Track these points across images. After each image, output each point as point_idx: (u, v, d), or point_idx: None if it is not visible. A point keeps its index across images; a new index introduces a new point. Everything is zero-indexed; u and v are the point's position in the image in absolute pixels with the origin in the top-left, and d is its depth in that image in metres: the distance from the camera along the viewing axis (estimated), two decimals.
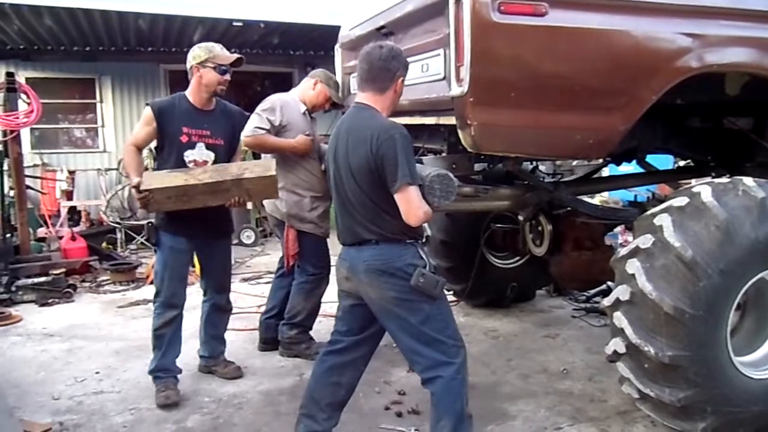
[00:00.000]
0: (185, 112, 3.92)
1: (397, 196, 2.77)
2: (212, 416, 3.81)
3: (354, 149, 2.86)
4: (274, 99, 4.55)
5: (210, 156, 3.94)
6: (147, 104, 3.95)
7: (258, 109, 4.47)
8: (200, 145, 3.92)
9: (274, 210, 4.67)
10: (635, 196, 4.79)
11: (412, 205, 2.77)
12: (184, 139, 3.88)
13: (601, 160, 5.04)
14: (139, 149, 3.92)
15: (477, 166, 4.10)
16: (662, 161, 5.34)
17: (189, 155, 3.89)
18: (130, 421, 3.76)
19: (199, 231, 4.05)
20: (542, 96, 3.00)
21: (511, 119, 2.98)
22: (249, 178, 3.74)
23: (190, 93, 3.99)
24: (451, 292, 5.74)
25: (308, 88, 4.63)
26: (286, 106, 4.50)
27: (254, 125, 4.33)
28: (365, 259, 2.88)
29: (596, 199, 9.79)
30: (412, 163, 2.81)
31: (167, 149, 3.92)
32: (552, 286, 6.05)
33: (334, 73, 4.84)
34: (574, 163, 8.07)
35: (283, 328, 4.71)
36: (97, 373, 4.50)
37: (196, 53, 3.93)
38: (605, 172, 6.47)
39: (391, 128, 2.80)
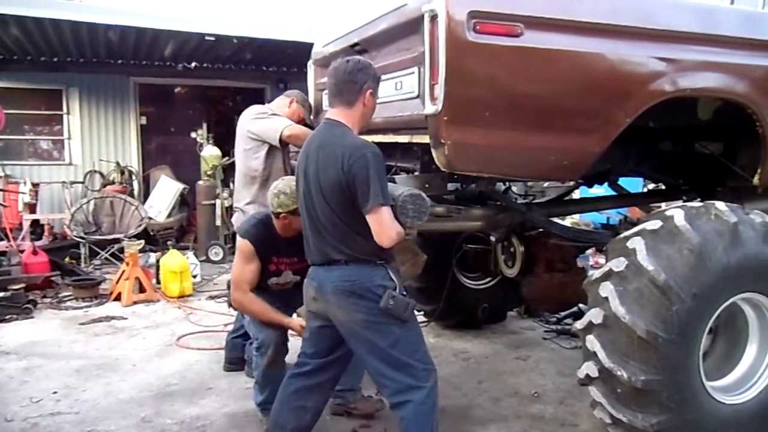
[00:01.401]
0: (274, 241, 3.75)
1: (368, 217, 2.71)
2: None
3: (325, 168, 2.79)
4: (268, 108, 4.61)
5: (295, 278, 3.86)
6: (243, 237, 3.78)
7: (266, 113, 4.49)
8: (287, 273, 3.88)
9: None
10: (608, 218, 4.80)
11: (384, 226, 2.71)
12: (272, 267, 3.81)
13: (573, 182, 5.06)
14: (252, 287, 3.73)
15: (450, 186, 4.06)
16: (632, 184, 5.37)
17: (273, 280, 3.85)
18: None
19: None
20: (517, 116, 2.97)
21: (485, 139, 2.94)
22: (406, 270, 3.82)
23: (277, 227, 3.75)
24: (422, 313, 5.68)
25: (284, 105, 4.63)
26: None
27: (285, 122, 4.35)
28: (333, 279, 2.81)
29: (567, 221, 9.85)
30: (384, 182, 2.76)
31: None
32: (523, 307, 6.03)
33: (307, 90, 4.81)
34: (546, 184, 8.08)
35: (249, 348, 4.59)
36: (55, 393, 4.34)
37: (283, 201, 3.62)
38: (576, 194, 6.50)
39: (363, 147, 2.75)
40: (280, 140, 4.29)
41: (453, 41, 2.77)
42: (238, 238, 3.85)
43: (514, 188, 8.43)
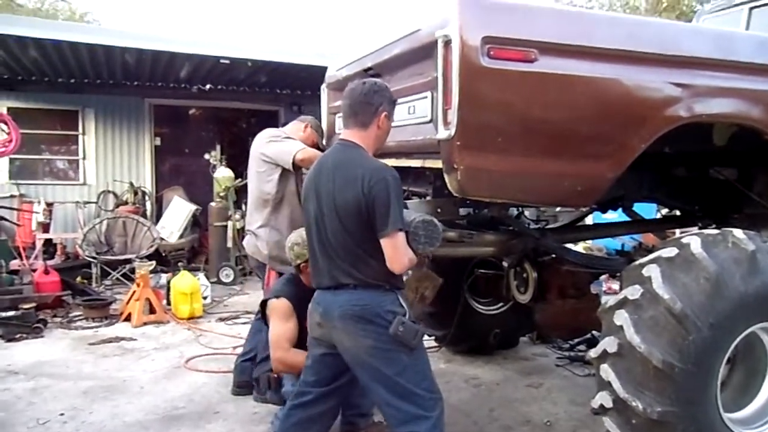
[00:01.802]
0: (307, 296, 3.73)
1: (384, 241, 2.68)
2: None
3: (342, 188, 2.76)
4: (283, 131, 4.65)
5: None
6: (277, 297, 3.81)
7: (280, 136, 4.53)
8: None
9: (255, 252, 4.58)
10: (622, 245, 4.74)
11: (398, 252, 2.68)
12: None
13: (586, 208, 5.01)
14: (292, 345, 3.71)
15: (462, 211, 4.03)
16: (646, 210, 5.31)
17: None
18: None
19: None
20: (530, 142, 2.94)
21: (498, 164, 2.91)
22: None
23: (305, 281, 3.77)
24: (433, 338, 5.63)
25: (298, 129, 4.67)
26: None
27: (299, 146, 4.38)
28: (341, 304, 2.77)
29: (579, 247, 9.78)
30: (402, 207, 2.74)
31: None
32: (535, 333, 5.95)
33: (320, 113, 4.82)
34: (558, 209, 8.04)
35: (257, 370, 4.56)
36: (62, 414, 4.32)
37: (299, 252, 3.74)
38: (589, 219, 6.45)
39: (384, 170, 2.74)
40: (294, 164, 4.30)
41: (467, 66, 2.75)
42: (272, 300, 3.81)
43: (526, 213, 8.39)
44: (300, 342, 3.66)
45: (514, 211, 4.57)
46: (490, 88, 2.83)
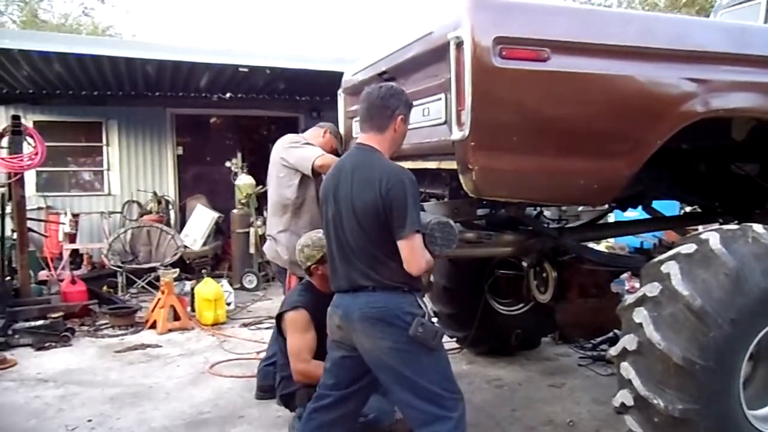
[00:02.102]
0: (322, 303, 3.61)
1: (401, 243, 2.70)
2: None
3: (360, 191, 2.79)
4: (302, 137, 4.68)
5: None
6: (294, 308, 3.81)
7: (300, 142, 4.56)
8: None
9: (275, 257, 4.62)
10: (641, 242, 4.71)
11: (415, 254, 2.70)
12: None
13: (606, 206, 4.99)
14: (312, 356, 3.73)
15: (480, 212, 4.04)
16: (668, 207, 5.27)
17: None
18: None
19: None
20: (545, 141, 2.94)
21: (513, 164, 2.92)
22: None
23: (317, 285, 3.86)
24: (455, 340, 5.63)
25: (317, 135, 4.71)
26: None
27: (318, 152, 4.40)
28: (360, 306, 2.79)
29: (602, 245, 9.71)
30: (419, 210, 2.75)
31: None
32: (557, 333, 5.92)
33: (337, 119, 4.87)
34: (580, 208, 8.00)
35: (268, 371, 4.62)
36: (90, 421, 4.40)
37: (309, 254, 3.79)
38: (611, 218, 6.40)
39: (401, 173, 2.76)
40: (313, 170, 4.33)
41: (479, 67, 2.77)
42: (289, 313, 3.81)
43: (547, 213, 8.34)
44: (318, 350, 3.67)
45: (532, 211, 4.59)
46: (503, 88, 2.85)
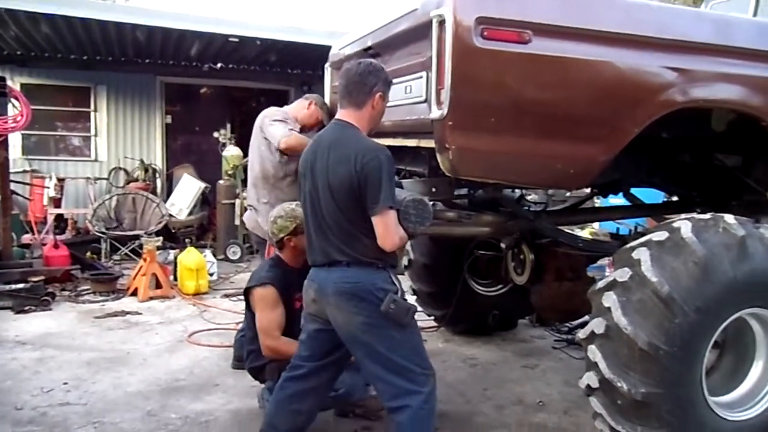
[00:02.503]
0: (290, 278, 3.73)
1: (375, 219, 2.72)
2: None
3: (335, 166, 2.80)
4: (284, 111, 4.63)
5: None
6: (262, 284, 3.77)
7: (276, 117, 4.51)
8: None
9: (255, 227, 4.64)
10: (617, 228, 4.75)
11: (389, 230, 2.72)
12: (297, 305, 3.71)
13: (589, 191, 5.02)
14: (281, 332, 3.72)
15: (461, 192, 4.06)
16: (654, 195, 5.29)
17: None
18: None
19: None
20: (523, 123, 2.95)
21: (490, 145, 2.93)
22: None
23: (287, 259, 3.85)
24: (432, 318, 5.68)
25: (303, 107, 4.70)
26: (292, 124, 4.54)
27: (288, 128, 4.39)
28: (335, 281, 2.82)
29: (586, 231, 9.77)
30: (393, 186, 2.77)
31: None
32: (534, 315, 5.99)
33: (324, 92, 4.85)
34: (567, 194, 8.05)
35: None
36: (65, 383, 4.42)
37: (282, 225, 3.76)
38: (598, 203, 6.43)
39: (377, 149, 2.77)
40: (279, 150, 4.35)
41: (460, 46, 2.77)
42: (257, 289, 3.78)
43: (534, 196, 8.38)
44: (287, 326, 3.70)
45: (514, 194, 4.62)
46: (483, 69, 2.85)
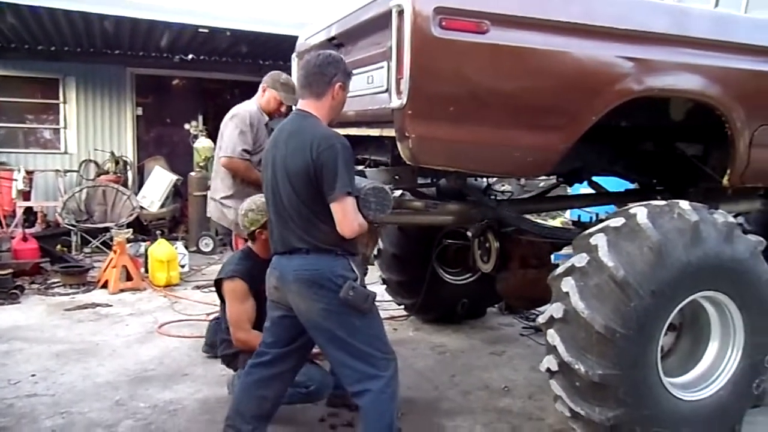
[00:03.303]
0: (261, 270, 3.57)
1: (333, 206, 2.76)
2: (145, 422, 3.75)
3: (293, 155, 2.84)
4: (252, 116, 4.58)
5: None
6: (231, 277, 3.75)
7: (239, 123, 4.50)
8: None
9: (221, 218, 4.67)
10: (579, 216, 4.84)
11: (347, 216, 2.76)
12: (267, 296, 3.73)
13: (554, 180, 5.10)
14: (252, 325, 3.71)
15: (426, 180, 4.12)
16: (622, 183, 5.36)
17: None
18: (60, 426, 3.69)
19: None
20: (481, 112, 3.01)
21: (449, 133, 2.98)
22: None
23: (258, 251, 3.83)
24: (402, 307, 5.74)
25: (259, 96, 4.67)
26: (259, 123, 4.57)
27: (240, 148, 4.41)
28: (295, 268, 2.86)
29: (557, 220, 9.90)
30: (351, 174, 2.81)
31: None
32: (503, 303, 6.07)
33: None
34: (541, 183, 8.15)
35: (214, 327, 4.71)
36: (33, 375, 4.41)
37: (253, 218, 3.74)
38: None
39: (333, 137, 2.81)
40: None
41: (418, 36, 2.81)
42: (226, 282, 3.79)
43: (508, 186, 8.44)
44: (258, 319, 3.69)
45: (482, 182, 4.69)
46: (441, 59, 2.89)
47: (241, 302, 3.73)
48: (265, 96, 4.64)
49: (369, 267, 5.32)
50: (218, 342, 4.10)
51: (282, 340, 3.10)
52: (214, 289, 4.04)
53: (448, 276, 5.59)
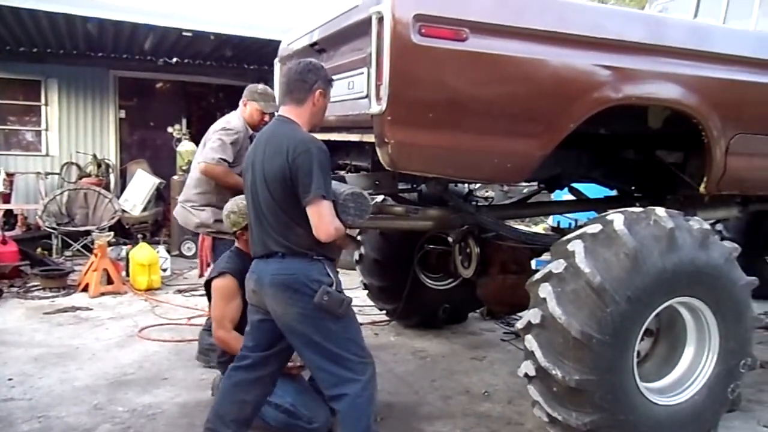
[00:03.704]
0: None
1: (309, 209, 2.76)
2: (123, 426, 3.73)
3: (271, 159, 2.86)
4: (239, 130, 4.59)
5: None
6: (223, 274, 3.73)
7: (223, 135, 4.51)
8: None
9: (186, 222, 4.75)
10: (558, 222, 4.87)
11: (323, 220, 2.77)
12: None
13: (536, 186, 5.14)
14: (234, 326, 3.67)
15: (404, 186, 4.14)
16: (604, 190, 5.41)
17: None
18: (36, 430, 3.67)
19: None
20: (460, 119, 3.04)
21: (428, 140, 3.00)
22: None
23: (245, 249, 3.77)
24: (384, 312, 5.75)
25: (242, 110, 4.72)
26: (244, 140, 4.57)
27: (219, 156, 4.41)
28: (271, 272, 2.87)
29: (540, 226, 9.96)
30: (327, 178, 2.82)
31: None
32: (485, 309, 6.09)
33: (274, 88, 4.85)
34: (525, 190, 8.20)
35: (203, 334, 4.71)
36: (10, 379, 4.37)
37: (235, 220, 3.76)
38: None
39: (309, 142, 2.82)
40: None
41: (398, 43, 2.84)
42: (216, 279, 3.76)
43: (491, 192, 8.47)
44: (243, 319, 3.70)
45: (463, 188, 4.72)
46: (421, 65, 2.92)
47: (227, 301, 3.71)
48: (247, 110, 4.68)
49: (351, 271, 5.36)
50: (213, 349, 4.10)
51: (262, 343, 3.10)
52: (200, 293, 4.03)
53: (430, 281, 5.60)
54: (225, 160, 4.43)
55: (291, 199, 2.80)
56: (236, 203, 3.78)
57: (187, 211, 4.64)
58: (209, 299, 3.93)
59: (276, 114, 3.08)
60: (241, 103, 4.73)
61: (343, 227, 2.86)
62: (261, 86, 4.76)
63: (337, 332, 2.85)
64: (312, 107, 2.96)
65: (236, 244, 3.96)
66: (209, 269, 4.41)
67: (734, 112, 3.67)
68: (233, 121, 4.65)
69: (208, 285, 3.92)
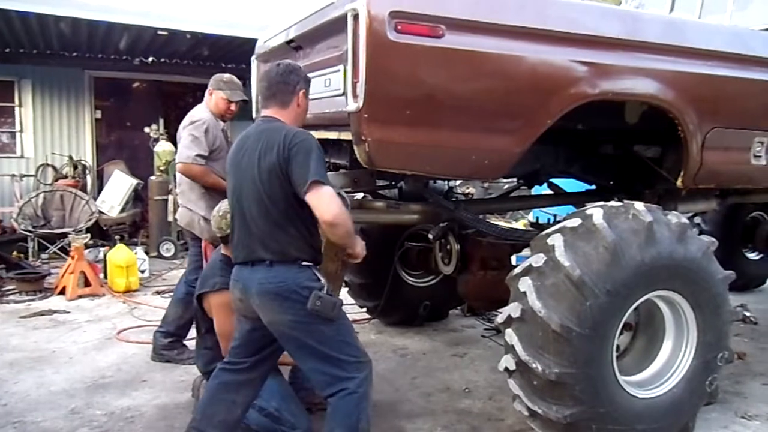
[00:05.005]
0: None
1: (308, 196, 2.67)
2: (101, 429, 3.70)
3: (264, 155, 2.79)
4: (207, 121, 4.56)
5: None
6: (216, 289, 3.59)
7: (193, 129, 4.49)
8: None
9: (190, 224, 4.62)
10: (537, 217, 4.89)
11: (324, 200, 2.67)
12: None
13: (515, 182, 5.15)
14: None
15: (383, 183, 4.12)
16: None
17: None
18: None
19: None
20: (437, 115, 3.03)
21: (406, 137, 2.99)
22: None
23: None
24: (365, 309, 5.74)
25: (208, 101, 4.71)
26: (215, 129, 4.56)
27: (195, 153, 4.39)
28: (259, 281, 2.81)
29: (520, 222, 9.98)
30: (323, 167, 2.76)
31: None
32: (466, 306, 6.09)
33: (250, 85, 4.81)
34: (506, 186, 8.21)
35: (157, 335, 4.75)
36: None
37: (223, 225, 3.63)
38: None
39: (303, 133, 2.80)
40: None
41: (374, 40, 2.82)
42: (212, 296, 3.65)
43: (472, 188, 8.45)
44: None
45: (444, 185, 4.72)
46: (397, 62, 2.90)
47: (227, 315, 3.54)
48: (213, 99, 4.66)
49: None
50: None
51: (251, 349, 3.07)
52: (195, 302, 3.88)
53: (410, 278, 5.61)
54: (201, 156, 4.39)
55: (285, 195, 2.75)
56: (220, 207, 3.67)
57: (190, 213, 4.61)
58: (202, 311, 3.80)
59: (260, 118, 3.02)
60: (207, 92, 4.72)
61: (347, 211, 2.81)
62: (227, 75, 4.77)
63: (330, 335, 2.81)
64: (296, 108, 2.95)
65: (222, 251, 3.84)
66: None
67: (710, 106, 3.70)
68: (198, 113, 4.63)
69: (201, 298, 3.78)
